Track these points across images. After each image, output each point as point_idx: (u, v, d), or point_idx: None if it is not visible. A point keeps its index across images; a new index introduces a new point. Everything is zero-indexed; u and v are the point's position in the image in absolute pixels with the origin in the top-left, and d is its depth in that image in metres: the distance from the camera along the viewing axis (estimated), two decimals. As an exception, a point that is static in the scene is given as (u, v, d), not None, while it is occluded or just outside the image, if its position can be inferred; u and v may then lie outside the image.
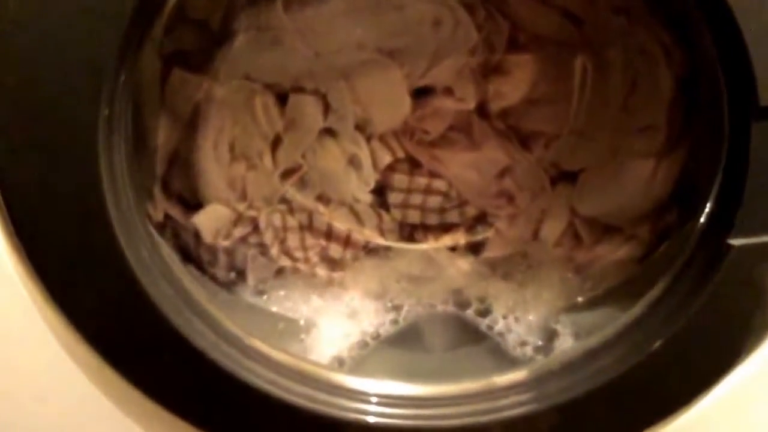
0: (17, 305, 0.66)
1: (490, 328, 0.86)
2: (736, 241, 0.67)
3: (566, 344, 0.79)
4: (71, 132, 0.61)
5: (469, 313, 0.88)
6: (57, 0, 0.59)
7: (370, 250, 0.92)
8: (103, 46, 0.60)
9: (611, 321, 0.75)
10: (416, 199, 0.92)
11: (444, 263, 0.92)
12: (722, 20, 0.63)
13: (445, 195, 0.92)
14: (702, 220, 0.71)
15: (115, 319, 0.67)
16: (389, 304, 0.89)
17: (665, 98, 0.80)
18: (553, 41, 0.86)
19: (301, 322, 0.85)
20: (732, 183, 0.67)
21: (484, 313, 0.87)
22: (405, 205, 0.92)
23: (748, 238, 0.67)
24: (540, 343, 0.82)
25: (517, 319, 0.85)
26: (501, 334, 0.85)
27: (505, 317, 0.86)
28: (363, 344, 0.84)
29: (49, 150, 0.61)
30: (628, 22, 0.82)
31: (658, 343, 0.70)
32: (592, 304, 0.84)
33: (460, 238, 0.93)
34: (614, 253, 0.86)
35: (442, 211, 0.92)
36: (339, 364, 0.80)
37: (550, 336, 0.81)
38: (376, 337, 0.85)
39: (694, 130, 0.80)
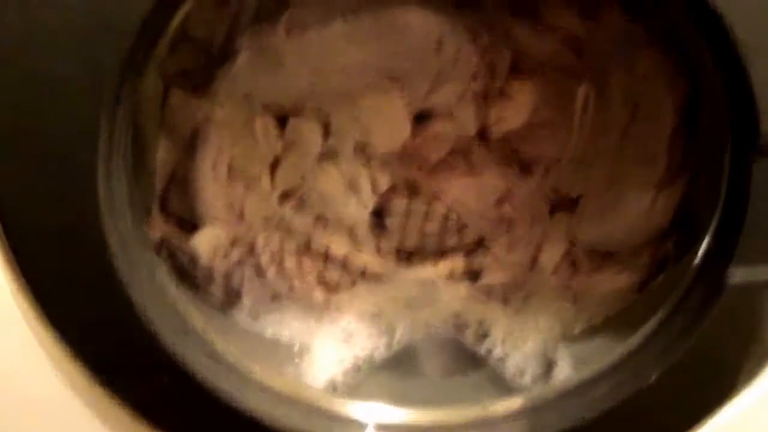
0: (10, 325, 0.65)
1: (489, 352, 0.85)
2: (734, 275, 0.67)
3: (564, 373, 0.79)
4: (70, 153, 0.61)
5: (467, 336, 0.88)
6: (58, 18, 0.59)
7: (367, 274, 0.92)
8: (104, 67, 0.60)
9: (609, 350, 0.75)
10: (414, 223, 0.91)
11: (441, 288, 0.91)
12: (726, 50, 0.62)
13: (444, 220, 0.91)
14: (700, 252, 0.70)
15: (110, 341, 0.67)
16: (383, 327, 0.88)
17: (666, 127, 0.80)
18: (555, 67, 0.85)
19: (296, 346, 0.85)
20: (731, 216, 0.67)
21: (482, 337, 0.87)
22: (403, 230, 0.92)
23: (746, 272, 0.67)
24: (538, 371, 0.81)
25: (514, 347, 0.85)
26: (499, 360, 0.84)
27: (503, 342, 0.86)
28: (357, 368, 0.83)
29: (47, 170, 0.61)
30: (631, 49, 0.82)
31: (655, 374, 0.70)
32: (589, 333, 0.84)
33: (458, 263, 0.92)
34: (612, 281, 0.85)
35: (440, 236, 0.92)
36: (333, 388, 0.80)
37: (548, 365, 0.81)
38: (371, 361, 0.85)
39: (695, 162, 0.80)
